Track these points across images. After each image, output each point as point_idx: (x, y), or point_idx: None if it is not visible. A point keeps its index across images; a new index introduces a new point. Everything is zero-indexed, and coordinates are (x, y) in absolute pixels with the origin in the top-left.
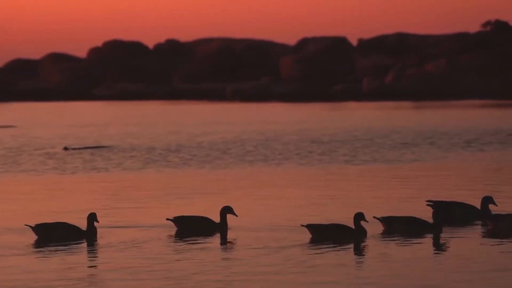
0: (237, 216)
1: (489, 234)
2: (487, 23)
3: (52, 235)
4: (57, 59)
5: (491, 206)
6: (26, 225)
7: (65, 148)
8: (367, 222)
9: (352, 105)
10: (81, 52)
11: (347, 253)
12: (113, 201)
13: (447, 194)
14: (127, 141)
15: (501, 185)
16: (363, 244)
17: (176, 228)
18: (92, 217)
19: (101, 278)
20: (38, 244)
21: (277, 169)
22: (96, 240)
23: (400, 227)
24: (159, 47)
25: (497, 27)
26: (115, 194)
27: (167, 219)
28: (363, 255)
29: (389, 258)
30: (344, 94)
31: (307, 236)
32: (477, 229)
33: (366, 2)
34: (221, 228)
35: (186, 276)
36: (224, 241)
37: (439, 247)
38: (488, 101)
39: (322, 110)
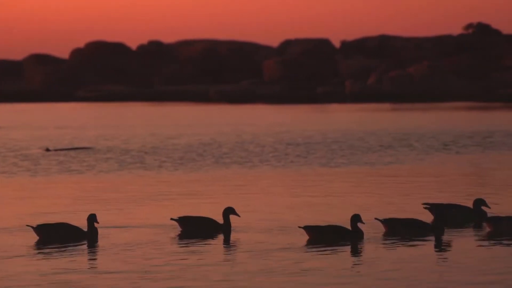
0: (239, 216)
1: (490, 236)
2: (469, 26)
3: (53, 236)
4: (40, 60)
5: (484, 208)
6: (27, 225)
7: (47, 150)
8: (364, 223)
9: (334, 107)
10: (63, 53)
11: (344, 255)
12: (90, 203)
13: (423, 197)
14: (107, 143)
15: (477, 187)
16: (360, 245)
17: (180, 229)
18: (92, 218)
19: (101, 279)
20: (40, 244)
21: (251, 172)
22: (97, 241)
23: (402, 229)
24: (142, 48)
25: (479, 29)
26: (92, 195)
27: (172, 219)
28: (361, 256)
29: (386, 260)
30: (327, 96)
31: (303, 237)
32: (476, 232)
33: (349, 4)
34: (225, 229)
35: (186, 275)
36: (227, 242)
37: (439, 249)
38: (470, 103)
39: (304, 112)
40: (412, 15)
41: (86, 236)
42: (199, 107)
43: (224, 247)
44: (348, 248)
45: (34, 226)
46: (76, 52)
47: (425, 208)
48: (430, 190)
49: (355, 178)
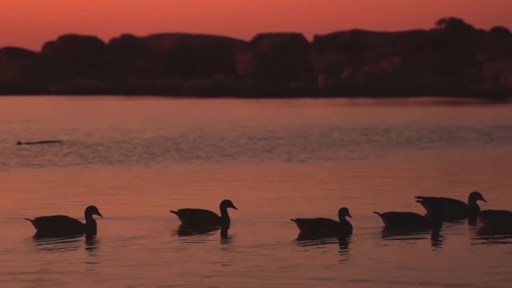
0: (236, 209)
1: (485, 231)
2: (442, 21)
3: (51, 229)
4: (12, 54)
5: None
6: (26, 219)
7: (18, 143)
8: (351, 217)
9: (307, 101)
10: (36, 46)
11: (334, 248)
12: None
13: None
14: (72, 136)
15: (443, 183)
16: (349, 239)
17: (180, 221)
18: (91, 210)
19: (101, 271)
20: (38, 237)
21: (212, 166)
22: (95, 234)
23: (402, 223)
24: (114, 42)
25: (452, 25)
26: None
27: (172, 211)
28: (351, 250)
29: (377, 254)
30: (300, 90)
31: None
32: (470, 227)
33: None
34: (223, 222)
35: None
36: (225, 235)
37: (433, 244)
38: (442, 98)
39: (276, 107)
40: (385, 10)
41: (85, 228)
42: (171, 101)
43: (223, 240)
44: (337, 241)
45: (33, 219)
46: (49, 45)
47: (418, 201)
48: (387, 186)
49: (315, 174)
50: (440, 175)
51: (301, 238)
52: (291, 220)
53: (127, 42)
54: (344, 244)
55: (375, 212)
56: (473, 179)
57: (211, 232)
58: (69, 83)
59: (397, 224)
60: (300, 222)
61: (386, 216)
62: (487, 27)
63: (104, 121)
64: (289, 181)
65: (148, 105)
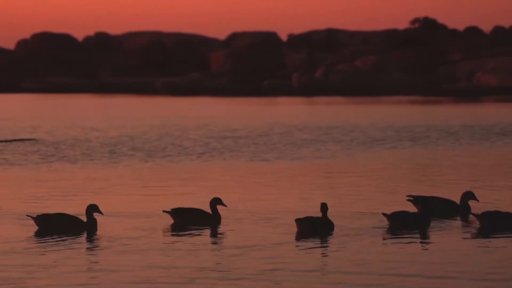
0: (226, 206)
1: (481, 231)
2: (416, 20)
3: (52, 226)
4: None
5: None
6: (27, 215)
7: None
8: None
9: (280, 100)
10: (9, 44)
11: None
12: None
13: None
14: (39, 134)
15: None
16: (334, 236)
17: (172, 220)
18: (92, 208)
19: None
20: (40, 235)
21: (170, 165)
22: (96, 231)
23: (409, 223)
24: (88, 40)
25: (426, 24)
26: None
27: (164, 211)
28: (347, 249)
29: (366, 249)
30: (274, 89)
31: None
32: (462, 226)
33: None
34: (214, 219)
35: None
36: (215, 232)
37: (423, 241)
38: (415, 97)
39: (248, 105)
40: (359, 9)
41: (85, 226)
42: (144, 99)
43: (212, 237)
44: (326, 240)
45: (34, 216)
46: (22, 43)
47: (409, 200)
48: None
49: (270, 174)
50: (402, 175)
51: (293, 237)
52: (296, 219)
53: (101, 40)
54: (331, 242)
55: (383, 214)
56: (438, 179)
57: (204, 230)
58: (42, 80)
59: (405, 224)
60: (299, 221)
61: (391, 216)
62: (460, 26)
63: (70, 119)
64: (249, 181)
65: (120, 103)
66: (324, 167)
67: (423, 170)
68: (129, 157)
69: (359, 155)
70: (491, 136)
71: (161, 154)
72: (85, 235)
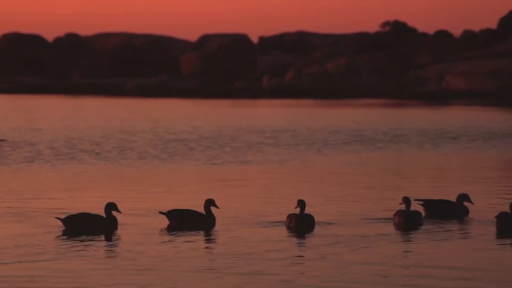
0: (219, 208)
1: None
2: (386, 24)
3: (80, 226)
4: None
5: (467, 205)
6: (56, 218)
7: None
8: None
9: (250, 102)
10: None
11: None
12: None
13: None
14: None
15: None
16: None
17: (168, 222)
18: (110, 207)
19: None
20: (68, 235)
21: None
22: (116, 229)
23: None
24: (58, 40)
25: (396, 27)
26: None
27: (160, 212)
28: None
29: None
30: (244, 91)
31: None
32: (463, 227)
33: (267, 0)
34: (209, 220)
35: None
36: (209, 233)
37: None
38: (385, 100)
39: (216, 107)
40: (330, 12)
41: (107, 224)
42: (114, 100)
43: (206, 237)
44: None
45: (62, 218)
46: None
47: (419, 204)
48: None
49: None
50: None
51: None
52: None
53: (71, 41)
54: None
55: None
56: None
57: (198, 232)
58: (12, 81)
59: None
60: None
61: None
62: (430, 30)
63: (32, 120)
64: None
65: (88, 104)
66: (268, 170)
67: (378, 175)
68: (73, 158)
69: (309, 159)
70: (442, 141)
71: (108, 156)
72: (112, 232)
